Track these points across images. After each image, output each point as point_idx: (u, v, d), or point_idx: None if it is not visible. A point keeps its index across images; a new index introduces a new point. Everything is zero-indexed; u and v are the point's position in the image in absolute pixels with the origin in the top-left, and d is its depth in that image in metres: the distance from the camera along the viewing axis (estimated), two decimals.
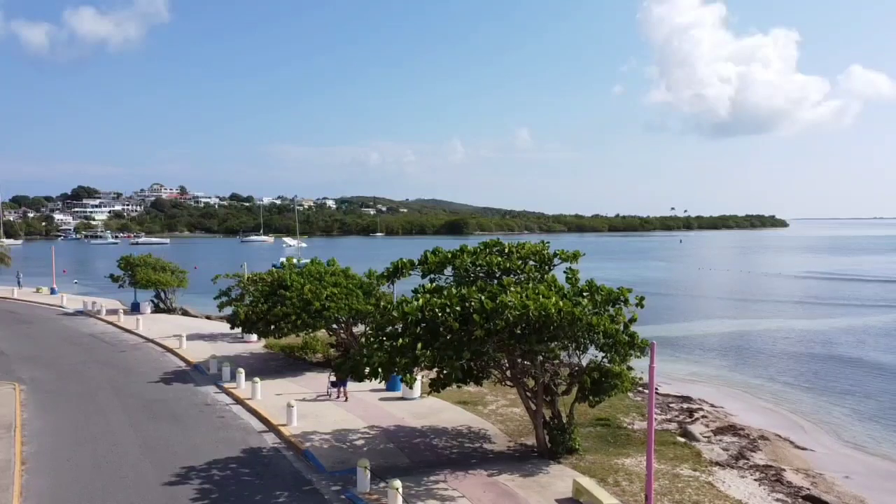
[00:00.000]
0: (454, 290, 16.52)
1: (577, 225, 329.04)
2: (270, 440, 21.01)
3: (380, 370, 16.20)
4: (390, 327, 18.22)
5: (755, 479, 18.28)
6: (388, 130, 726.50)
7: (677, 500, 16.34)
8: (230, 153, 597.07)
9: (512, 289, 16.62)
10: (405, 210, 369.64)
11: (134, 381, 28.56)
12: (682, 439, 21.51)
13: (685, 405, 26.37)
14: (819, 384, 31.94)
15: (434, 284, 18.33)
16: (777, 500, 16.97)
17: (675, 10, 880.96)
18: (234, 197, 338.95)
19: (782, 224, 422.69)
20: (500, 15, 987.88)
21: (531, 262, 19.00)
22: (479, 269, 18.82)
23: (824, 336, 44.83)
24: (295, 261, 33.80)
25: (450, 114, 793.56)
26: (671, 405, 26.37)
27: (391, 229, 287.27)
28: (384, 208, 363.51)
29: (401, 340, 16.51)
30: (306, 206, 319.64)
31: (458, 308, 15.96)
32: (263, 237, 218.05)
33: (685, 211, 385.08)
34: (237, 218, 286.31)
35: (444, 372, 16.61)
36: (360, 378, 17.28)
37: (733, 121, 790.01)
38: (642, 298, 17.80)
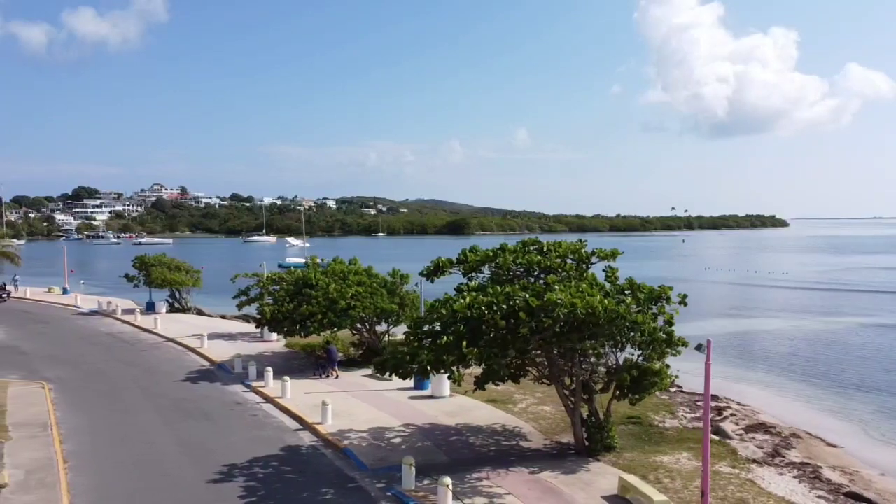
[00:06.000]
0: (499, 289, 16.58)
1: (579, 225, 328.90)
2: (307, 438, 21.08)
3: (429, 368, 16.28)
4: (428, 325, 18.34)
5: (794, 477, 18.38)
6: (386, 131, 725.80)
7: (721, 497, 16.43)
8: (230, 153, 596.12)
9: (557, 287, 16.69)
10: (405, 210, 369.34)
11: (160, 381, 28.62)
12: (716, 437, 21.57)
13: (712, 403, 26.32)
14: (840, 381, 32.06)
15: (476, 283, 18.44)
16: (819, 496, 17.07)
17: (673, 10, 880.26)
18: (234, 197, 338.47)
19: (783, 224, 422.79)
20: (498, 15, 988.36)
21: (570, 260, 19.08)
22: (519, 267, 18.91)
23: (840, 333, 44.95)
24: (319, 260, 33.74)
25: (448, 114, 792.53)
26: (698, 403, 26.40)
27: (392, 229, 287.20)
28: (384, 208, 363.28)
29: (444, 338, 16.59)
30: (307, 207, 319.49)
31: (504, 306, 16.04)
32: (266, 237, 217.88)
33: (686, 211, 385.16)
34: (238, 218, 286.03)
35: (491, 369, 16.64)
36: (405, 376, 17.38)
37: (732, 121, 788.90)
38: (685, 296, 17.91)
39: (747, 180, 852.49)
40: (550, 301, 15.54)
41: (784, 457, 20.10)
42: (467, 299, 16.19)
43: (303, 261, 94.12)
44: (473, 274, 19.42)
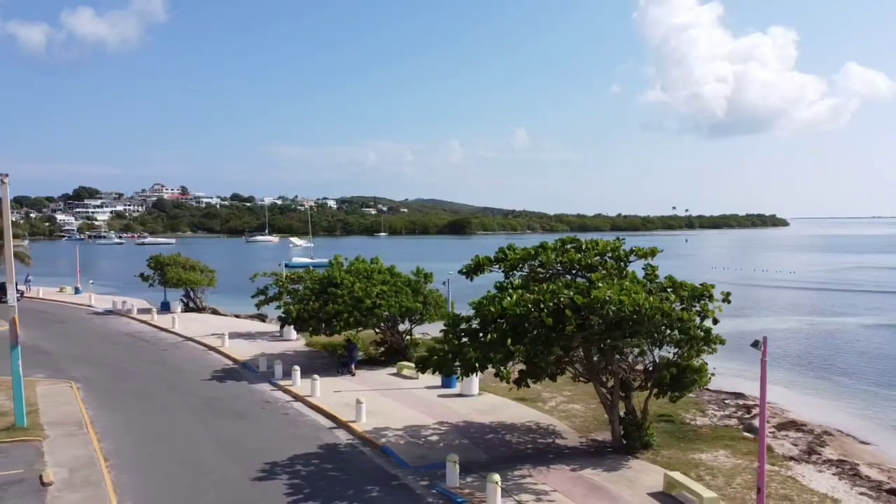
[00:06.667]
0: (545, 287, 16.65)
1: (580, 224, 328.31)
2: (343, 436, 21.13)
3: (477, 365, 16.33)
4: (465, 324, 18.42)
5: (833, 474, 18.46)
6: (386, 131, 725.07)
7: (766, 495, 16.45)
8: (230, 153, 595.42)
9: (601, 284, 16.75)
10: (405, 210, 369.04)
11: (186, 379, 28.66)
12: (750, 435, 21.66)
13: (740, 402, 26.50)
14: (862, 380, 32.17)
15: (519, 281, 18.51)
16: (861, 493, 17.14)
17: (672, 9, 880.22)
18: (235, 197, 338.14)
19: (783, 223, 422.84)
20: (498, 15, 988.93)
21: (608, 259, 19.16)
22: (558, 265, 18.98)
23: (856, 333, 45.05)
24: (342, 259, 33.73)
25: (447, 114, 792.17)
26: (726, 401, 26.51)
27: (394, 229, 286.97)
28: (385, 208, 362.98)
29: (489, 336, 16.66)
30: (307, 206, 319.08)
31: (551, 304, 16.10)
32: (269, 237, 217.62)
33: (686, 210, 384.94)
34: (239, 218, 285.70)
35: (537, 366, 16.69)
36: (448, 374, 17.44)
37: (731, 120, 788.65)
38: (728, 294, 17.98)
39: (747, 180, 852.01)
40: (598, 298, 15.60)
41: (820, 454, 20.17)
42: (514, 297, 16.24)
43: (308, 260, 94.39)
44: (512, 272, 19.49)
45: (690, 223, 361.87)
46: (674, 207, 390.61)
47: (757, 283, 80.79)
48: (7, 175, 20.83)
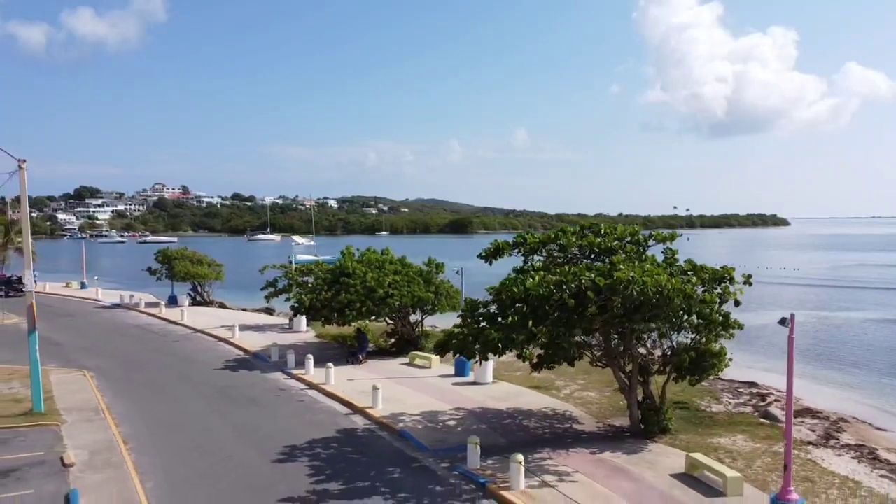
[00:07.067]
0: (567, 269, 16.66)
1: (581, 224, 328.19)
2: (360, 422, 21.14)
3: (500, 346, 16.34)
4: (482, 308, 18.46)
5: (852, 458, 18.46)
6: (386, 131, 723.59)
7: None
8: (231, 153, 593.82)
9: (622, 267, 16.76)
10: (406, 210, 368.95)
11: (199, 369, 28.67)
12: (766, 420, 21.68)
13: (753, 390, 26.53)
14: (872, 370, 32.24)
15: (540, 264, 18.55)
16: (882, 475, 17.14)
17: (672, 9, 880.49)
18: (236, 196, 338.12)
19: (784, 223, 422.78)
20: (498, 15, 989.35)
21: (628, 243, 19.18)
22: (576, 249, 18.99)
23: (862, 327, 45.14)
24: (354, 250, 33.73)
25: (447, 114, 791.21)
26: (739, 390, 26.51)
27: (395, 228, 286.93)
28: (385, 207, 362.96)
29: (510, 318, 16.67)
30: (309, 206, 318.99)
31: (573, 285, 16.11)
32: (271, 236, 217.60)
33: (687, 210, 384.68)
34: (241, 217, 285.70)
35: (560, 347, 16.70)
36: (469, 356, 17.46)
37: (731, 120, 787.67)
38: (749, 276, 18.00)
39: (747, 180, 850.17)
40: (621, 279, 15.62)
41: (838, 439, 20.19)
42: (536, 278, 16.26)
43: (313, 257, 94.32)
44: (531, 257, 19.52)
45: (691, 223, 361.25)
46: (675, 207, 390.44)
47: (762, 279, 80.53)
48: (24, 161, 20.86)
